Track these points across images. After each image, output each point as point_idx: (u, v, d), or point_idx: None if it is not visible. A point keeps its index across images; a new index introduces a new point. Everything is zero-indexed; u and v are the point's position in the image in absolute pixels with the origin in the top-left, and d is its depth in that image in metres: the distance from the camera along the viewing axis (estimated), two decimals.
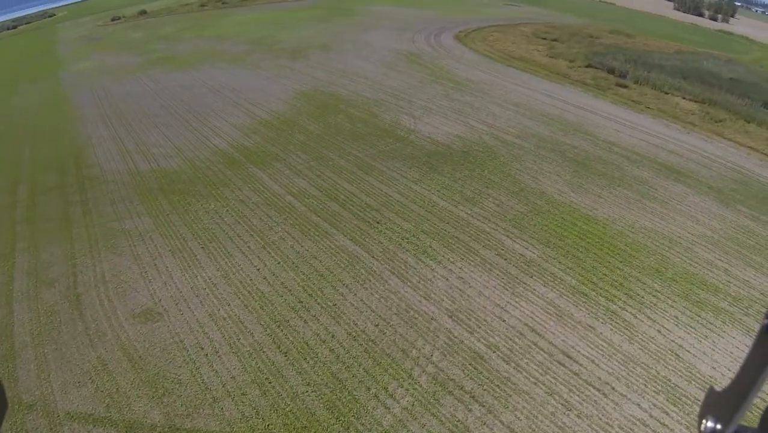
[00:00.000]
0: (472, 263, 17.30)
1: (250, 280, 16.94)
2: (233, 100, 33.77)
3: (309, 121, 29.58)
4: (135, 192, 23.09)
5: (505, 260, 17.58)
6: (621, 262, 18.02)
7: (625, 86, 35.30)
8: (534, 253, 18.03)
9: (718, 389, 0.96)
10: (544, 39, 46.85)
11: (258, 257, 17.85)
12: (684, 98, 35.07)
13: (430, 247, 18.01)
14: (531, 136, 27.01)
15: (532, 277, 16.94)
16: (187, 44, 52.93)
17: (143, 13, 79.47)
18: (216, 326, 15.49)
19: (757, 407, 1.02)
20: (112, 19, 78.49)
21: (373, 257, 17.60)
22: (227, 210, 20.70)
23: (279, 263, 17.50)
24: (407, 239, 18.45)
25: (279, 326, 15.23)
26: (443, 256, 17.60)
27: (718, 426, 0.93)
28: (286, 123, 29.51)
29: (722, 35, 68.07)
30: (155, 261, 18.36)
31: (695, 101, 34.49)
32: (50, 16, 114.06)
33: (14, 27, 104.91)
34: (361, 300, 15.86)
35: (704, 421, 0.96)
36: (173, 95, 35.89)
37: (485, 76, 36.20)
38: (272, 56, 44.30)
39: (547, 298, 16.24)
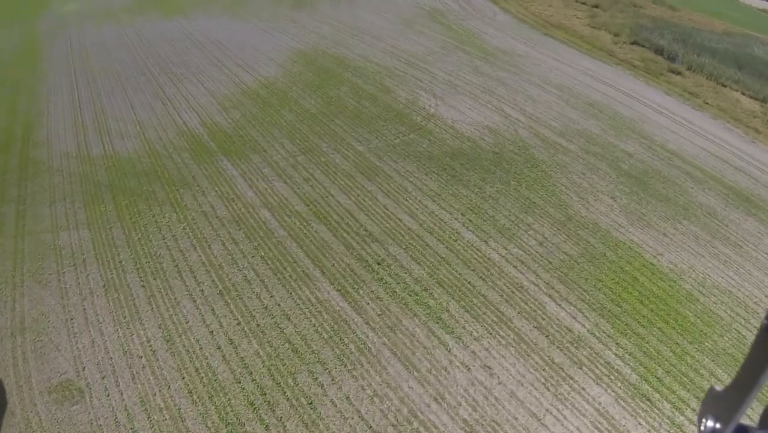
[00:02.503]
0: (503, 342, 11.97)
1: (200, 348, 11.80)
2: (218, 58, 26.74)
3: (304, 94, 22.95)
4: (80, 187, 17.41)
5: (548, 336, 12.22)
6: (691, 342, 12.66)
7: (679, 73, 27.91)
8: (585, 325, 12.62)
9: (718, 388, 0.91)
10: (584, 4, 38.43)
11: (213, 309, 12.59)
12: (743, 94, 27.74)
13: (448, 310, 12.58)
14: (577, 135, 20.48)
15: (581, 368, 11.68)
16: None
17: None
18: (149, 422, 10.62)
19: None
20: None
21: (368, 323, 12.27)
22: (183, 227, 15.10)
23: (239, 323, 12.25)
24: (417, 294, 12.99)
25: (231, 432, 10.40)
26: (465, 327, 12.22)
27: (718, 425, 0.88)
28: (276, 95, 22.91)
29: (763, 15, 57.43)
30: (84, 302, 13.19)
31: (755, 99, 27.23)
32: None
33: None
34: (347, 397, 10.80)
35: (704, 420, 0.91)
36: (152, 50, 28.75)
37: (520, 47, 28.53)
38: (273, 3, 36.03)
39: (599, 404, 11.09)
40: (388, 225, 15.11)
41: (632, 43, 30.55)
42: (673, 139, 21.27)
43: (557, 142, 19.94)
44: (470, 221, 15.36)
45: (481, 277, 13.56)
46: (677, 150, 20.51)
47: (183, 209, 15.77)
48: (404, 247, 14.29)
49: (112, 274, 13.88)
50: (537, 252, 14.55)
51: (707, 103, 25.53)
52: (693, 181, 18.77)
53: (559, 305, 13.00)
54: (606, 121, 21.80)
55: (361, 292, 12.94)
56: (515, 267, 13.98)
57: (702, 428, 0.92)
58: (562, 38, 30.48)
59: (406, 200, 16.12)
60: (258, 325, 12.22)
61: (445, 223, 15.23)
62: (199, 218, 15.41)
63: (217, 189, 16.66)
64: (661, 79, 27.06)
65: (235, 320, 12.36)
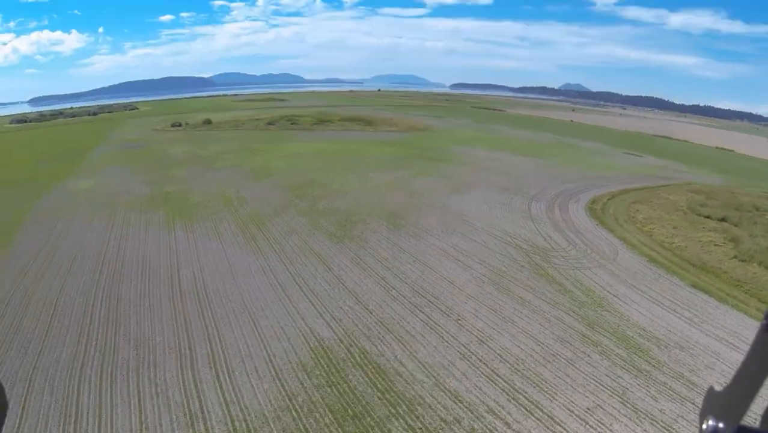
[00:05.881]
0: None
1: None
2: (186, 352, 16.32)
3: None
4: None
5: None
6: None
7: None
8: None
9: (718, 389, 0.88)
10: (708, 217, 31.08)
11: None
12: None
13: None
14: None
15: None
16: (216, 176, 39.79)
17: (207, 123, 71.73)
18: None
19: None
20: (173, 125, 71.22)
21: None
22: None
23: None
24: None
25: None
26: None
27: (720, 425, 0.86)
28: None
29: None
30: None
31: None
32: (132, 109, 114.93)
33: (95, 114, 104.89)
34: None
35: (705, 421, 0.89)
36: (116, 301, 19.39)
37: (672, 322, 17.93)
38: (308, 226, 27.80)
39: None
40: None
41: None
42: None
43: None
44: None
45: None
46: None
47: None
48: None
49: None
50: None
51: None
52: None
53: None
54: None
55: None
56: None
57: (703, 427, 0.88)
58: (716, 291, 20.57)
59: None
60: None
61: None
62: None
63: None
64: None
65: None
